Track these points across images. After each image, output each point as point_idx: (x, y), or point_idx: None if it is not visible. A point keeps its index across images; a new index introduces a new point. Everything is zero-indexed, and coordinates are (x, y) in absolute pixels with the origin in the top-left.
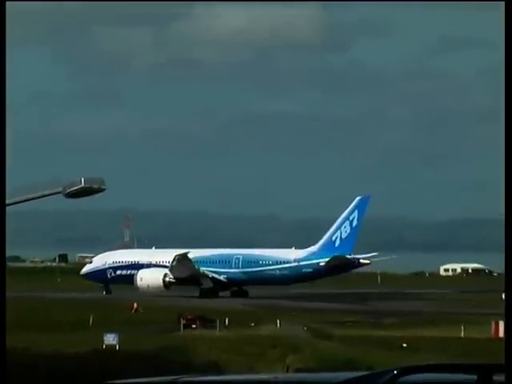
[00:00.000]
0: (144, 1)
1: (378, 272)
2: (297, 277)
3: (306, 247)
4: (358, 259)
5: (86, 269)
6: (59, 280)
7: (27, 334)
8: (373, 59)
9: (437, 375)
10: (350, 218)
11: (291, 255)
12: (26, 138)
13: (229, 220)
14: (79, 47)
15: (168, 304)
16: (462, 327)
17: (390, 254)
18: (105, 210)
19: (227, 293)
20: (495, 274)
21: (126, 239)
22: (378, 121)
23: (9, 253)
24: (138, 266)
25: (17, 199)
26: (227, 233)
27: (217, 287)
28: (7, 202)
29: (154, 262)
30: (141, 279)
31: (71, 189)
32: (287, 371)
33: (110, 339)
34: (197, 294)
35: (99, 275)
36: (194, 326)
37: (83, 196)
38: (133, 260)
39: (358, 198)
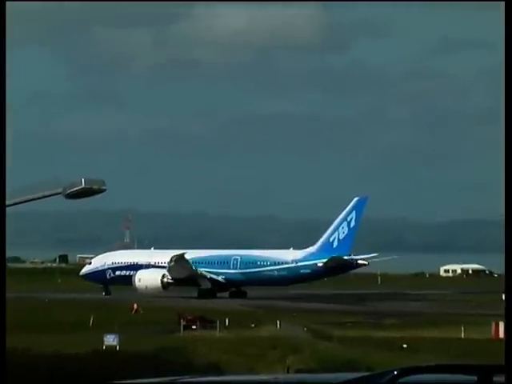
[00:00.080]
0: (144, 1)
1: (379, 273)
2: (295, 277)
3: (306, 248)
4: (356, 260)
5: (85, 269)
6: (59, 281)
7: (28, 334)
8: (373, 59)
9: (437, 376)
10: (348, 219)
11: (289, 256)
12: (26, 138)
13: (229, 221)
14: (79, 47)
15: (167, 305)
16: (463, 328)
17: (390, 255)
18: (105, 210)
19: (226, 293)
20: (495, 275)
21: (126, 240)
22: (377, 121)
23: (9, 254)
24: (137, 267)
25: (17, 200)
26: (227, 234)
27: (215, 288)
28: (7, 202)
29: (152, 263)
30: (139, 280)
31: (71, 190)
32: (287, 372)
33: (110, 340)
34: (195, 294)
35: (98, 276)
36: (194, 326)
37: (83, 197)
38: (132, 261)
39: (355, 199)
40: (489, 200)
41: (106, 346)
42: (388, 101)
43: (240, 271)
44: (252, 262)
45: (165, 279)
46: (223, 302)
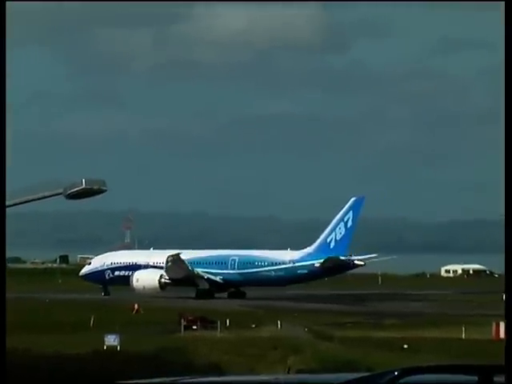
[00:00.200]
0: (144, 1)
1: (379, 273)
2: (292, 278)
3: (303, 248)
4: (353, 260)
5: (84, 270)
6: (60, 281)
7: (28, 335)
8: (373, 59)
9: (438, 376)
10: (345, 219)
11: (287, 256)
12: (26, 138)
13: (229, 221)
14: (79, 48)
15: (166, 305)
16: (463, 328)
17: (390, 256)
18: (106, 211)
19: (224, 294)
20: (496, 275)
21: (127, 240)
22: (377, 121)
23: (9, 254)
24: (136, 267)
25: (17, 200)
26: (227, 234)
27: (213, 288)
28: (7, 203)
29: (151, 263)
30: (137, 280)
31: (72, 190)
32: (288, 372)
33: (111, 340)
34: (193, 295)
35: (98, 276)
36: (194, 327)
37: (84, 197)
38: (130, 261)
39: (352, 199)
40: (489, 200)
41: (107, 347)
42: (388, 101)
43: (237, 271)
44: (249, 263)
45: (162, 279)
46: (223, 303)
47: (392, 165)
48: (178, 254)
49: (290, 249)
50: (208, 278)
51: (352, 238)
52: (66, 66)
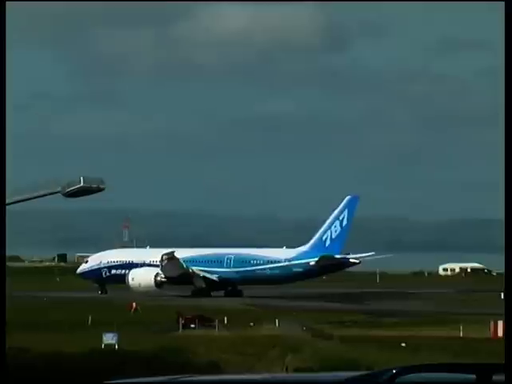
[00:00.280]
0: (144, 1)
1: (377, 271)
2: (287, 276)
3: (299, 247)
4: (348, 259)
5: (81, 268)
6: (58, 280)
7: (26, 333)
8: (372, 60)
9: (436, 375)
10: (340, 218)
11: (282, 255)
12: (26, 138)
13: (228, 220)
14: (80, 48)
15: (163, 304)
16: (461, 327)
17: (389, 254)
18: (104, 209)
19: (221, 292)
20: (494, 274)
21: (125, 239)
22: (377, 121)
23: (8, 253)
24: (132, 266)
25: (16, 199)
26: (227, 233)
27: (209, 287)
28: (7, 201)
29: (147, 262)
30: (132, 279)
31: (70, 188)
32: (286, 371)
33: (109, 339)
34: (189, 293)
35: (94, 275)
36: (192, 325)
37: (82, 195)
38: (127, 260)
39: (347, 198)
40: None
41: (105, 345)
42: (388, 100)
43: (233, 270)
44: (245, 261)
45: (158, 278)
46: (221, 301)
47: (392, 165)
48: (172, 253)
49: (286, 247)
50: (204, 277)
51: (350, 237)
52: (66, 66)
